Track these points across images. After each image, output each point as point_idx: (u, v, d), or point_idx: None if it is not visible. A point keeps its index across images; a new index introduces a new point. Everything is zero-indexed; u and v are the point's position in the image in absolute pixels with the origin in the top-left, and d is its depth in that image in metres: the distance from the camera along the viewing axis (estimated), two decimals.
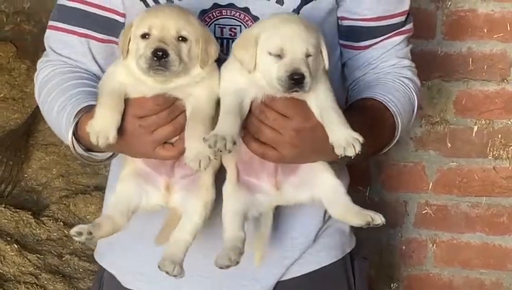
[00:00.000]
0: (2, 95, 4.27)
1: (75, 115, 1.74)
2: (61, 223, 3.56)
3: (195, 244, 1.66)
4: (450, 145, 2.68)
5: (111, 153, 1.78)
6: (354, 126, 1.57)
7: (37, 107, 4.01)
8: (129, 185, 1.68)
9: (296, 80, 1.53)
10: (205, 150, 1.51)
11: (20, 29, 4.62)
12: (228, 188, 1.66)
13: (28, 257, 3.34)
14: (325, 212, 1.88)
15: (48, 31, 1.91)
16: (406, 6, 1.93)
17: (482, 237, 2.71)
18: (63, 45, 1.88)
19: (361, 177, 2.69)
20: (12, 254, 3.34)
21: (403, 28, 1.92)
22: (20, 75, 4.36)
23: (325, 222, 1.90)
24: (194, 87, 1.60)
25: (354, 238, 2.00)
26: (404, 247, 2.76)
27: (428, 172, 2.70)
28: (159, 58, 1.53)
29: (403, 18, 1.91)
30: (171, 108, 1.59)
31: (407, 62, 1.94)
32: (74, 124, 1.74)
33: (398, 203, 2.73)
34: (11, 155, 3.96)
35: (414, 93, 1.90)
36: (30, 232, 3.50)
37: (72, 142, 1.75)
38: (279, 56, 1.55)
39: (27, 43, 4.54)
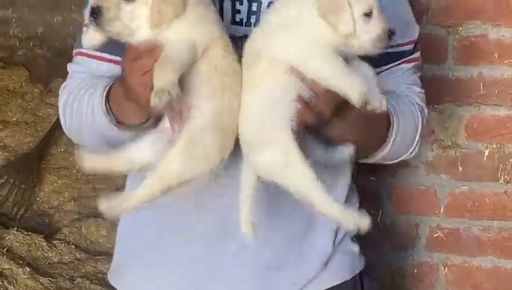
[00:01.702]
0: (14, 118, 4.30)
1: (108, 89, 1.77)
2: (73, 246, 3.58)
3: None
4: (461, 169, 2.68)
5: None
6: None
7: (50, 131, 4.10)
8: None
9: (390, 35, 1.59)
10: (165, 87, 1.51)
11: (33, 53, 4.66)
12: None
13: (40, 280, 3.35)
14: (335, 236, 1.89)
15: (75, 57, 1.90)
16: (414, 36, 1.96)
17: (494, 260, 2.71)
18: (89, 69, 1.88)
19: (373, 201, 2.70)
20: (24, 277, 3.35)
21: (411, 56, 1.94)
22: (33, 99, 4.39)
23: (335, 247, 1.91)
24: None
25: (363, 259, 2.01)
26: (415, 270, 2.76)
27: (440, 196, 2.71)
28: (94, 16, 1.56)
29: (411, 47, 1.93)
30: (153, 53, 1.58)
31: (416, 88, 1.95)
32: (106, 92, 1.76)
33: (409, 227, 2.73)
34: (23, 178, 3.98)
35: (418, 112, 1.90)
36: (42, 256, 3.52)
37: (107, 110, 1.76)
38: (369, 15, 1.59)
39: (40, 67, 4.57)
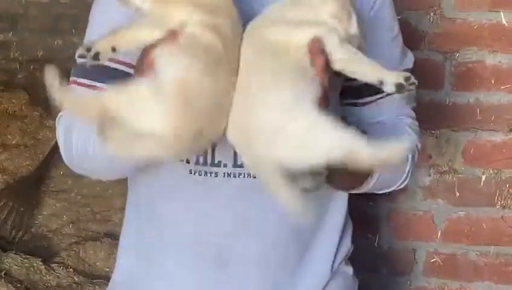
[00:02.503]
0: (14, 141, 4.32)
1: None
2: (71, 269, 3.58)
3: None
4: (458, 194, 2.69)
5: None
6: None
7: (49, 154, 4.11)
8: None
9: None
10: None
11: (33, 77, 4.68)
12: None
13: None
14: (334, 260, 1.90)
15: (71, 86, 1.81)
16: (408, 65, 1.96)
17: (491, 286, 2.70)
18: None
19: (371, 225, 2.71)
20: None
21: None
22: (33, 122, 4.41)
23: (333, 272, 1.91)
24: None
25: (357, 281, 2.01)
26: None
27: (437, 221, 2.71)
28: None
29: None
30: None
31: (408, 120, 1.94)
32: None
33: (407, 252, 2.73)
34: (22, 202, 3.99)
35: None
36: (40, 279, 3.52)
37: None
38: None
39: (40, 91, 4.58)
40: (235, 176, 1.75)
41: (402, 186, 1.92)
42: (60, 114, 1.84)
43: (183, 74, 1.44)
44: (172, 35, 1.47)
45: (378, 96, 1.88)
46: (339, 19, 1.53)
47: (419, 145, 1.93)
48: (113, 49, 1.48)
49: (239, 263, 1.80)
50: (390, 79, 1.46)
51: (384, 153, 1.41)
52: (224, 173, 1.76)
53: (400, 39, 1.96)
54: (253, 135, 1.46)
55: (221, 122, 1.50)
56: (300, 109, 1.43)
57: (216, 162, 1.75)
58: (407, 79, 1.45)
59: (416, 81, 1.46)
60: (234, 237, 1.77)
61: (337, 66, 1.50)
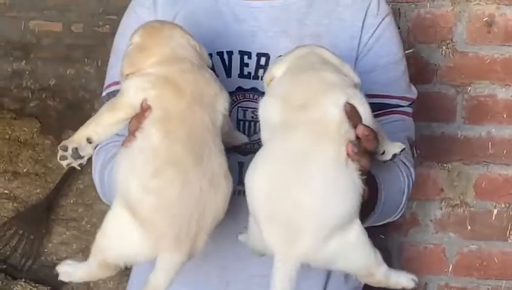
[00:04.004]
0: (25, 170, 4.32)
1: None
2: None
3: None
4: (470, 227, 2.68)
5: None
6: None
7: (60, 182, 4.11)
8: None
9: None
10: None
11: (44, 105, 4.70)
12: None
13: None
14: (327, 282, 1.88)
15: None
16: (414, 96, 1.94)
17: None
18: None
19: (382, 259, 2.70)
20: None
21: (400, 109, 1.89)
22: (44, 151, 4.41)
23: None
24: None
25: None
26: None
27: (449, 254, 2.70)
28: None
29: (405, 102, 1.90)
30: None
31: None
32: None
33: (418, 285, 2.70)
34: (32, 230, 3.99)
35: (405, 175, 1.84)
36: None
37: None
38: None
39: (51, 119, 4.61)
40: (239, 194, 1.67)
41: (397, 217, 1.90)
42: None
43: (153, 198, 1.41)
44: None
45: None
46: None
47: (413, 174, 1.90)
48: (88, 141, 1.50)
49: (239, 283, 1.80)
50: (392, 150, 1.55)
51: (393, 282, 1.49)
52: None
53: (403, 68, 1.92)
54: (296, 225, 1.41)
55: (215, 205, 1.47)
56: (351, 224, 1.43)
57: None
58: (402, 150, 1.57)
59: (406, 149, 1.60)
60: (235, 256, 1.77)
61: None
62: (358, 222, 1.43)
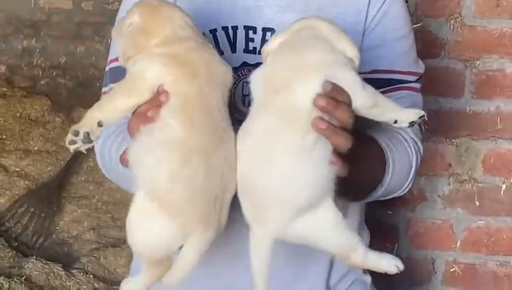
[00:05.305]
0: (36, 148, 4.34)
1: None
2: (91, 275, 3.59)
3: None
4: (478, 203, 2.67)
5: None
6: None
7: (70, 160, 4.13)
8: None
9: None
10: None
11: (55, 83, 4.72)
12: None
13: None
14: (328, 278, 1.87)
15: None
16: (421, 70, 1.92)
17: None
18: None
19: (389, 235, 2.70)
20: None
21: (408, 85, 1.87)
22: (55, 129, 4.44)
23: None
24: None
25: None
26: None
27: (457, 230, 2.69)
28: None
29: (412, 77, 1.88)
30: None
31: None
32: None
33: (425, 261, 2.72)
34: (43, 207, 4.01)
35: (413, 150, 1.83)
36: (60, 285, 3.53)
37: None
38: None
39: (62, 97, 4.63)
40: None
41: (404, 192, 1.88)
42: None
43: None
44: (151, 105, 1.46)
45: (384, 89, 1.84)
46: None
47: (421, 149, 1.89)
48: (100, 124, 1.48)
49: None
50: (407, 118, 1.50)
51: (371, 265, 1.48)
52: None
53: (411, 42, 1.91)
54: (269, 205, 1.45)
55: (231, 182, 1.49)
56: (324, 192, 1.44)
57: None
58: (421, 117, 1.51)
59: (425, 116, 1.51)
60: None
61: (359, 112, 1.48)
62: (329, 202, 1.43)
